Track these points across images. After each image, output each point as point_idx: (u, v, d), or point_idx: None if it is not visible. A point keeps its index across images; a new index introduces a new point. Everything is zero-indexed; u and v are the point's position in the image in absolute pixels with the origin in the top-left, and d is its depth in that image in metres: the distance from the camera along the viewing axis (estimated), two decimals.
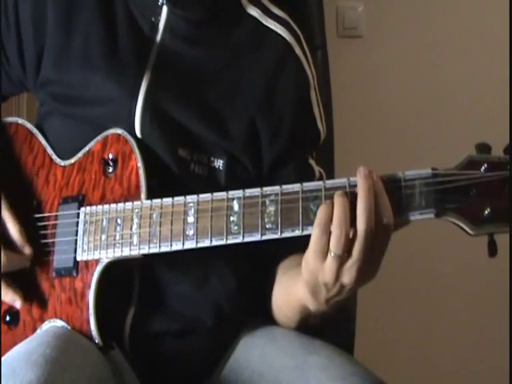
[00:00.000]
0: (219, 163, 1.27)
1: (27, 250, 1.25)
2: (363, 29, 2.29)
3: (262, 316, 1.35)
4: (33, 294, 1.26)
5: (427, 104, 2.32)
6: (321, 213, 1.05)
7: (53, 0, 1.32)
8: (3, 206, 1.26)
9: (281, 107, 1.29)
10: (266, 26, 1.32)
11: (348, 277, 1.06)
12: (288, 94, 1.30)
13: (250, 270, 1.32)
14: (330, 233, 1.04)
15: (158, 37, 1.30)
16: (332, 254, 1.04)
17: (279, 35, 1.32)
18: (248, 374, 1.25)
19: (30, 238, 1.27)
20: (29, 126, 1.35)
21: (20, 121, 1.36)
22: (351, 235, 1.04)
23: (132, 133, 1.26)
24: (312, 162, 1.35)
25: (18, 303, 1.25)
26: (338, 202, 1.04)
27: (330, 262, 1.05)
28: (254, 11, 1.33)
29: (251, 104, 1.28)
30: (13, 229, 1.26)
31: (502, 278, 2.14)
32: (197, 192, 1.19)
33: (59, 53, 1.31)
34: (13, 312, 1.27)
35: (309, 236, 1.07)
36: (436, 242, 2.23)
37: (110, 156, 1.25)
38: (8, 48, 1.36)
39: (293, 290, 1.19)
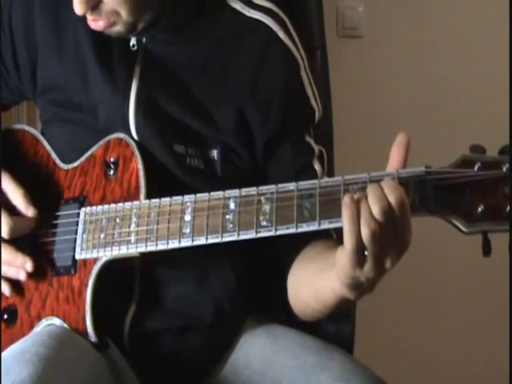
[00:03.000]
0: (214, 154, 1.28)
1: (30, 212, 1.27)
2: (363, 29, 2.29)
3: (262, 315, 1.35)
4: (31, 292, 1.28)
5: (427, 104, 2.32)
6: (347, 233, 1.01)
7: (39, 7, 1.33)
8: (4, 175, 1.29)
9: (269, 91, 1.29)
10: (249, 17, 1.31)
11: (389, 261, 1.03)
12: (275, 77, 1.29)
13: (250, 268, 1.33)
14: (361, 242, 1.01)
15: (143, 40, 1.31)
16: (367, 253, 1.01)
17: (262, 23, 1.31)
18: (248, 374, 1.26)
19: (30, 238, 1.29)
20: (34, 132, 1.39)
21: (26, 128, 1.40)
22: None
23: (128, 134, 1.28)
24: (310, 139, 1.33)
25: (28, 266, 1.26)
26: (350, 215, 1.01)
27: (370, 261, 1.02)
28: (236, 4, 1.32)
29: (237, 92, 1.28)
30: (15, 193, 1.28)
31: (502, 278, 2.14)
32: (195, 185, 1.22)
33: (52, 58, 1.33)
34: (11, 310, 1.29)
35: None
36: (436, 241, 2.22)
37: (112, 159, 1.27)
38: (5, 57, 1.38)
39: (324, 290, 1.15)
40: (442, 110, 2.32)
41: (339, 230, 1.05)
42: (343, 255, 1.02)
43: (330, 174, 1.43)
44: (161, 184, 1.25)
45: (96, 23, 1.23)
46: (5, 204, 1.27)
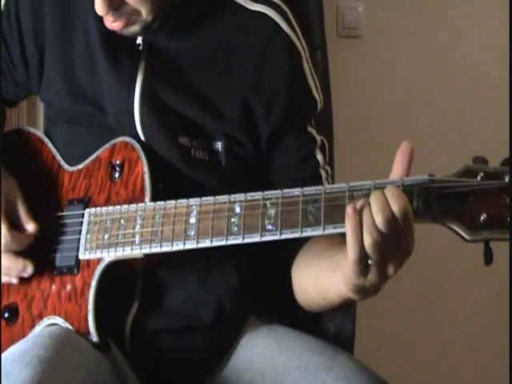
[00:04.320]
0: (218, 145, 1.29)
1: (31, 226, 1.28)
2: (363, 29, 2.29)
3: (265, 315, 1.36)
4: (33, 291, 1.28)
5: (427, 104, 2.32)
6: (350, 243, 1.02)
7: (48, 1, 1.34)
8: (14, 184, 1.30)
9: (273, 82, 1.29)
10: (252, 10, 1.32)
11: (392, 268, 1.03)
12: (279, 68, 1.30)
13: (253, 268, 1.34)
14: (364, 253, 1.01)
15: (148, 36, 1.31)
16: (371, 261, 1.02)
17: (265, 15, 1.31)
18: (250, 374, 1.26)
19: (34, 237, 1.29)
20: (40, 134, 1.39)
21: (32, 130, 1.40)
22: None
23: (133, 126, 1.28)
24: (312, 130, 1.34)
25: (29, 269, 1.27)
26: (352, 223, 1.01)
27: (374, 269, 1.03)
28: None
29: (242, 84, 1.29)
30: (20, 206, 1.29)
31: (502, 280, 2.15)
32: (200, 177, 1.22)
33: (62, 52, 1.33)
34: (12, 308, 1.29)
35: None
36: (436, 242, 2.23)
37: (117, 162, 1.28)
38: (13, 51, 1.38)
39: (329, 290, 1.16)
40: (441, 108, 2.32)
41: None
42: (347, 265, 1.03)
43: (331, 172, 1.44)
44: (166, 181, 1.25)
45: (114, 24, 1.23)
46: (7, 213, 1.27)
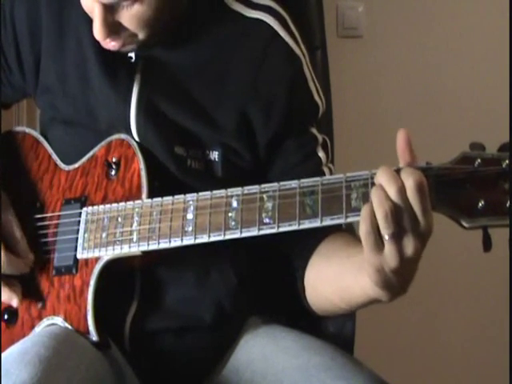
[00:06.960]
0: (214, 155, 1.28)
1: (31, 256, 1.27)
2: (363, 29, 2.30)
3: (264, 315, 1.36)
4: (32, 292, 1.28)
5: (427, 104, 2.32)
6: (362, 212, 1.00)
7: (45, 9, 1.33)
8: (11, 211, 1.29)
9: (271, 89, 1.29)
10: (250, 17, 1.31)
11: (410, 246, 1.01)
12: (278, 76, 1.29)
13: (252, 268, 1.33)
14: (376, 224, 1.00)
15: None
16: (386, 236, 0.99)
17: (263, 22, 1.30)
18: (249, 374, 1.25)
19: (32, 238, 1.29)
20: (35, 134, 1.39)
21: (27, 130, 1.40)
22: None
23: (129, 136, 1.28)
24: (314, 130, 1.34)
25: (14, 301, 1.26)
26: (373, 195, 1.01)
27: (389, 245, 1.00)
28: (236, 6, 1.32)
29: (239, 92, 1.29)
30: (19, 233, 1.28)
31: (502, 273, 2.15)
32: (196, 187, 1.21)
33: (55, 58, 1.33)
34: (11, 310, 1.28)
35: None
36: (436, 241, 2.22)
37: (114, 159, 1.28)
38: (8, 55, 1.38)
39: (353, 292, 1.14)
40: (441, 109, 2.32)
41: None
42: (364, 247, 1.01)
43: (334, 170, 1.44)
44: (162, 185, 1.25)
45: (111, 44, 1.24)
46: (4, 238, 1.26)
